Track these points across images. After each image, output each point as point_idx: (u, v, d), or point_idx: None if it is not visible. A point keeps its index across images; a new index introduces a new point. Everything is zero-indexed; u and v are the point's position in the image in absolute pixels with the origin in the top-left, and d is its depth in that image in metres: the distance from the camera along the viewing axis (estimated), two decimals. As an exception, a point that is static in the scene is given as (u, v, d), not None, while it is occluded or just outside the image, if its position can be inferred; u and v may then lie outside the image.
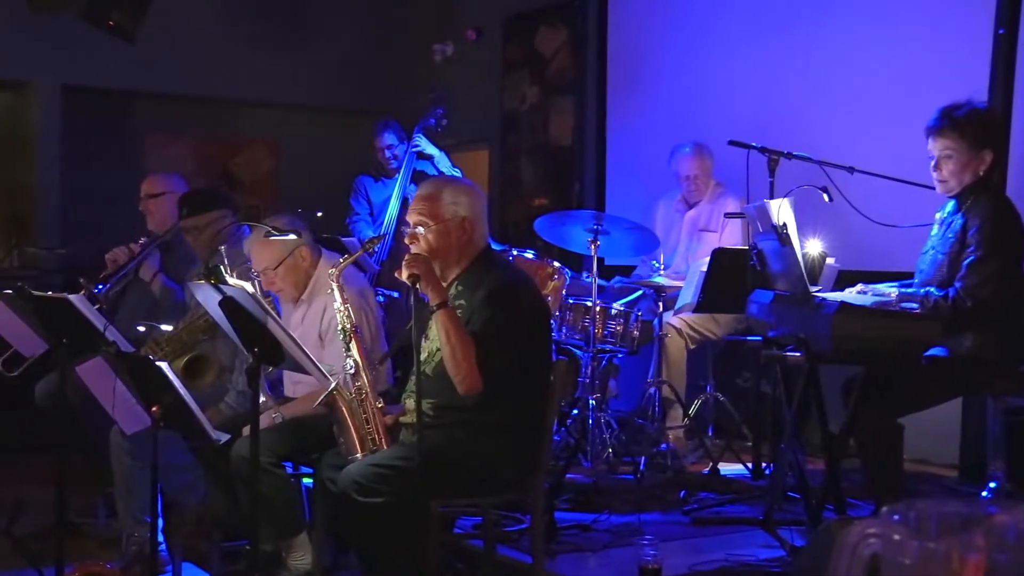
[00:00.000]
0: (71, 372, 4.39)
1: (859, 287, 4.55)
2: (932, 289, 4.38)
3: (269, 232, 4.54)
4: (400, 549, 3.85)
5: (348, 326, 4.15)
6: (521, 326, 4.00)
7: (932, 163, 4.53)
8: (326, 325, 4.69)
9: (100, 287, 5.46)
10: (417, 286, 3.88)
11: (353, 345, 4.14)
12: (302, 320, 4.80)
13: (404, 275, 3.91)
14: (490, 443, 3.96)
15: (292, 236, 4.64)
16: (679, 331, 6.39)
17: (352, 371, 4.11)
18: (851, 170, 5.18)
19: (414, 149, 7.71)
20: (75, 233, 8.83)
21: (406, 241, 4.15)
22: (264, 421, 4.42)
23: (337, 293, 4.22)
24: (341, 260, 4.33)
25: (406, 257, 3.96)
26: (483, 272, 4.10)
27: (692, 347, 6.46)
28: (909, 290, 4.43)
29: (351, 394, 4.09)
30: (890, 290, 4.44)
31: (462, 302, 4.04)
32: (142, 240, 5.80)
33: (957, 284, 4.34)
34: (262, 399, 4.46)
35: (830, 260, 4.88)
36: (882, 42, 6.64)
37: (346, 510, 3.87)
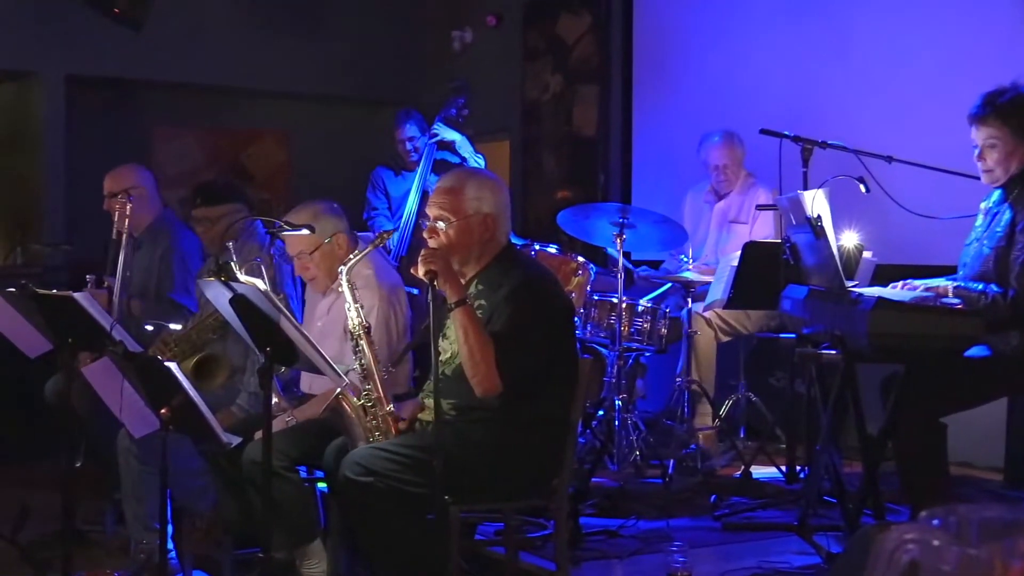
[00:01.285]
0: (77, 373, 4.42)
1: (912, 283, 4.50)
2: (992, 285, 4.34)
3: (281, 227, 4.55)
4: (405, 541, 3.85)
5: (358, 327, 4.16)
6: (544, 325, 4.00)
7: (976, 152, 4.50)
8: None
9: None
10: (434, 283, 3.89)
11: (364, 346, 4.14)
12: (328, 310, 4.81)
13: (420, 271, 3.91)
14: (512, 445, 3.96)
15: (305, 231, 4.65)
16: (708, 322, 6.38)
17: (362, 374, 4.12)
18: (889, 159, 5.16)
19: (433, 139, 7.71)
20: (80, 229, 8.86)
21: (424, 235, 4.15)
22: (277, 424, 4.43)
23: (347, 292, 4.22)
24: (351, 257, 4.34)
25: (423, 252, 3.96)
26: (505, 270, 4.10)
27: (723, 340, 6.45)
28: (966, 283, 4.38)
29: (360, 398, 4.10)
30: (943, 284, 4.40)
31: (482, 301, 4.04)
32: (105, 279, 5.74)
33: (1016, 284, 4.29)
34: (275, 400, 4.48)
35: (867, 254, 4.86)
36: (922, 24, 6.61)
37: (344, 496, 3.89)
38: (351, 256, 4.37)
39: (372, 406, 4.12)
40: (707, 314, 6.37)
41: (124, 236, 5.63)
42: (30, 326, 4.72)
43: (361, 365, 4.15)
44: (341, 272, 4.27)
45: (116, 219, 5.75)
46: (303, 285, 5.15)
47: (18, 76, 9.42)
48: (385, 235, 4.49)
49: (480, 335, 3.88)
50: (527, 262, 4.29)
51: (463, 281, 4.05)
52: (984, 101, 4.47)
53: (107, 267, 5.68)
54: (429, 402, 4.10)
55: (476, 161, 7.69)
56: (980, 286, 4.35)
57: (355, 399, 4.10)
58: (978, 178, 4.57)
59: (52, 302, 4.53)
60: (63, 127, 9.24)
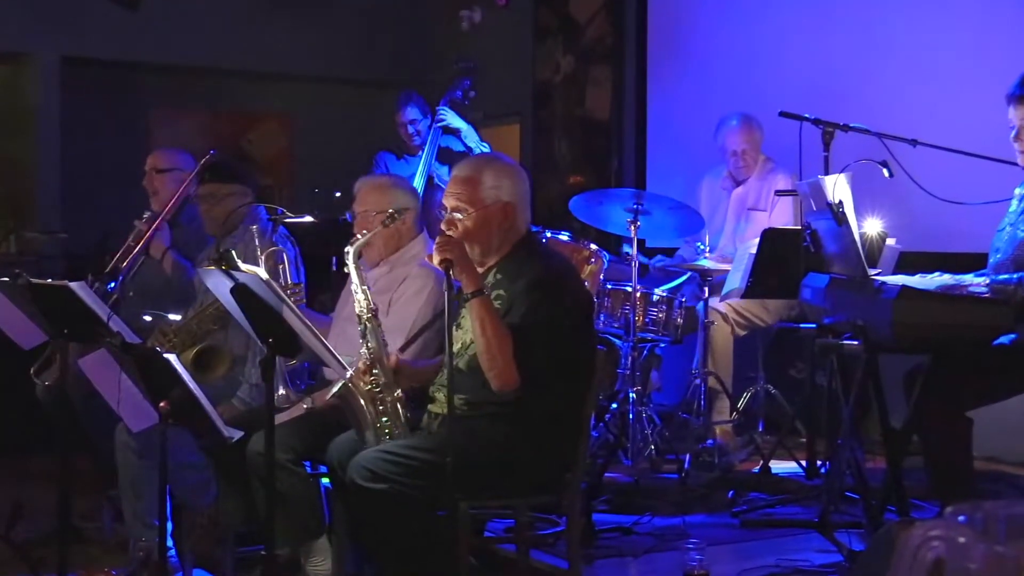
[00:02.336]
0: (73, 365, 4.43)
1: (945, 277, 4.47)
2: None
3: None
4: (414, 546, 3.86)
5: (365, 312, 4.16)
6: (564, 319, 3.99)
7: (1012, 133, 4.47)
8: (399, 295, 4.67)
9: (113, 283, 5.49)
10: (450, 272, 3.88)
11: (371, 331, 4.14)
12: (374, 283, 4.76)
13: (436, 260, 3.91)
14: (524, 440, 3.97)
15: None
16: (725, 317, 6.38)
17: (370, 359, 4.11)
18: (914, 143, 5.14)
19: (439, 123, 7.70)
20: (76, 216, 8.88)
21: (442, 227, 4.14)
22: (295, 411, 4.45)
23: (354, 274, 4.21)
24: (359, 236, 4.33)
25: (438, 240, 3.95)
26: (524, 260, 4.10)
27: (740, 334, 6.46)
28: (996, 278, 4.35)
29: (367, 385, 4.09)
30: (976, 280, 4.36)
31: (501, 292, 4.04)
32: (146, 215, 5.83)
33: None
34: (281, 392, 4.49)
35: (890, 241, 4.85)
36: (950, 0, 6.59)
37: (352, 499, 3.91)
38: (359, 236, 4.35)
39: (380, 392, 4.11)
40: (723, 308, 6.36)
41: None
42: (24, 317, 4.73)
43: (368, 349, 4.14)
44: (348, 252, 4.26)
45: (152, 199, 5.91)
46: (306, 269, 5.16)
47: (11, 58, 9.43)
48: (396, 215, 4.42)
49: (498, 327, 3.88)
50: (548, 253, 4.29)
51: (481, 271, 4.05)
52: (1023, 80, 4.44)
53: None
54: (440, 396, 4.10)
55: (482, 150, 7.68)
56: (1015, 276, 4.32)
57: (363, 384, 4.09)
58: (1009, 162, 4.55)
59: (47, 292, 4.53)
60: (58, 110, 9.26)
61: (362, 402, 4.07)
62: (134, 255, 5.68)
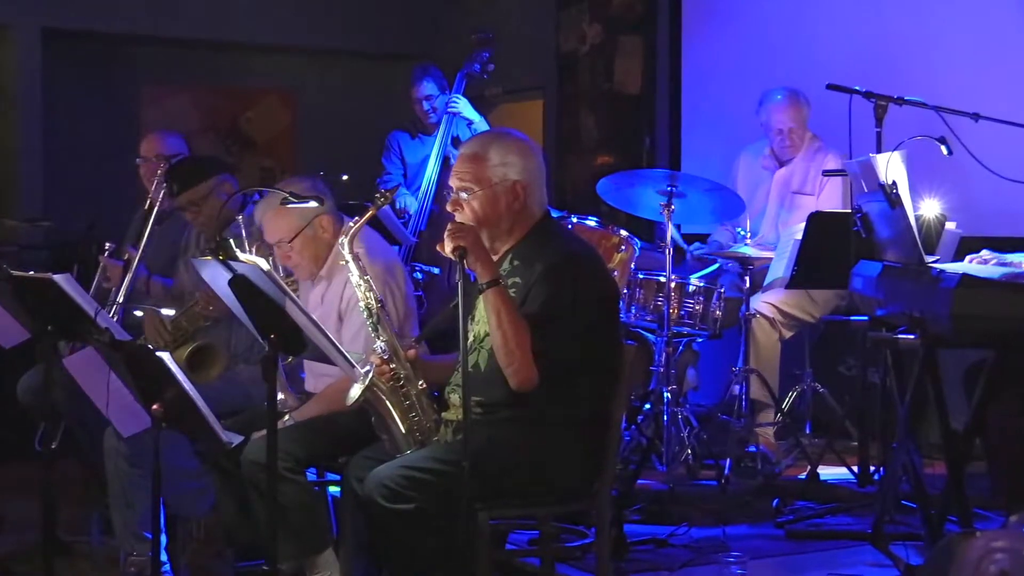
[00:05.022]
0: (58, 365, 4.44)
1: (984, 253, 4.49)
2: None
3: (285, 199, 4.54)
4: (437, 566, 3.87)
5: (373, 303, 4.16)
6: (585, 308, 3.99)
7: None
8: (345, 303, 4.70)
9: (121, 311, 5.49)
10: (463, 261, 3.88)
11: (382, 325, 4.14)
12: (321, 300, 4.82)
13: (447, 248, 3.91)
14: (547, 444, 3.96)
15: (313, 203, 4.64)
16: (771, 321, 6.34)
17: (386, 354, 4.11)
18: (975, 117, 5.13)
19: (451, 109, 7.70)
20: (60, 202, 8.91)
21: (448, 208, 4.15)
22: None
23: (352, 265, 4.22)
24: (351, 223, 4.33)
25: (449, 226, 3.95)
26: (541, 244, 4.10)
27: (787, 335, 6.42)
28: None
29: (387, 382, 4.09)
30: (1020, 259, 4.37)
31: (517, 279, 4.04)
32: (108, 246, 5.77)
33: None
34: (280, 397, 4.49)
35: (950, 225, 4.84)
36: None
37: (373, 519, 3.91)
38: (351, 223, 4.35)
39: (403, 386, 4.11)
40: (766, 309, 6.33)
41: (155, 209, 5.70)
42: (5, 312, 4.75)
43: (384, 343, 4.14)
44: (342, 244, 4.26)
45: (153, 187, 5.81)
46: None
47: (-12, 30, 9.45)
48: (388, 194, 4.36)
49: (515, 319, 3.88)
50: (566, 236, 4.29)
51: (495, 258, 4.05)
52: None
53: (126, 238, 5.77)
54: (455, 398, 4.11)
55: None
56: None
57: (383, 382, 4.07)
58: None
59: (29, 285, 4.55)
60: (40, 87, 9.27)
61: (387, 402, 4.07)
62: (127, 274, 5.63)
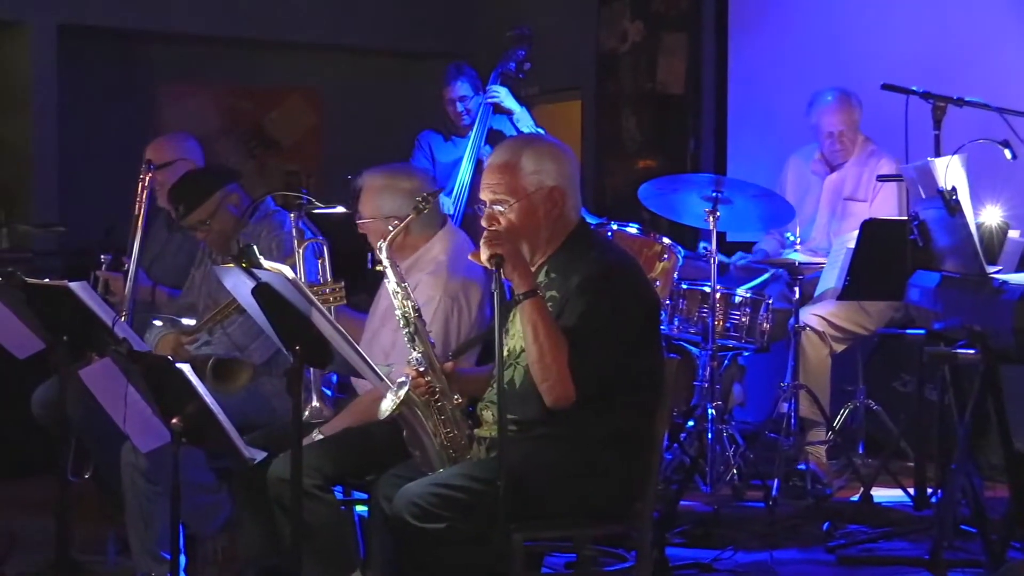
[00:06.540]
0: (73, 377, 4.45)
1: None
2: None
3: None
4: None
5: (411, 312, 4.15)
6: (624, 321, 3.98)
7: None
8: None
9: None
10: (500, 270, 3.87)
11: (419, 336, 4.13)
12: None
13: (483, 256, 3.90)
14: (585, 463, 3.96)
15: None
16: (821, 334, 6.30)
17: (422, 367, 4.11)
18: (1040, 119, 5.11)
19: (490, 99, 7.68)
20: (76, 206, 8.94)
21: (483, 223, 4.12)
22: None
23: (390, 272, 4.21)
24: (391, 228, 4.32)
25: (485, 235, 3.95)
26: (577, 255, 4.09)
27: (839, 349, 6.39)
28: None
29: (423, 395, 4.08)
30: None
31: (553, 292, 4.03)
32: (104, 258, 5.79)
33: None
34: (315, 404, 4.50)
35: (1013, 233, 4.82)
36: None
37: (402, 539, 3.92)
38: (390, 227, 4.35)
39: (438, 400, 4.10)
40: (815, 322, 6.30)
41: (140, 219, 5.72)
42: (19, 322, 4.76)
43: (420, 354, 4.13)
44: (381, 248, 4.25)
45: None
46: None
47: (3, 26, 9.49)
48: (429, 197, 4.36)
49: (552, 333, 3.87)
50: (604, 245, 4.28)
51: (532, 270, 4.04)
52: None
53: (128, 248, 5.78)
54: (488, 415, 4.11)
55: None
56: None
57: (417, 395, 4.06)
58: None
59: (44, 293, 4.56)
60: (55, 86, 9.30)
61: (421, 416, 4.06)
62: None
